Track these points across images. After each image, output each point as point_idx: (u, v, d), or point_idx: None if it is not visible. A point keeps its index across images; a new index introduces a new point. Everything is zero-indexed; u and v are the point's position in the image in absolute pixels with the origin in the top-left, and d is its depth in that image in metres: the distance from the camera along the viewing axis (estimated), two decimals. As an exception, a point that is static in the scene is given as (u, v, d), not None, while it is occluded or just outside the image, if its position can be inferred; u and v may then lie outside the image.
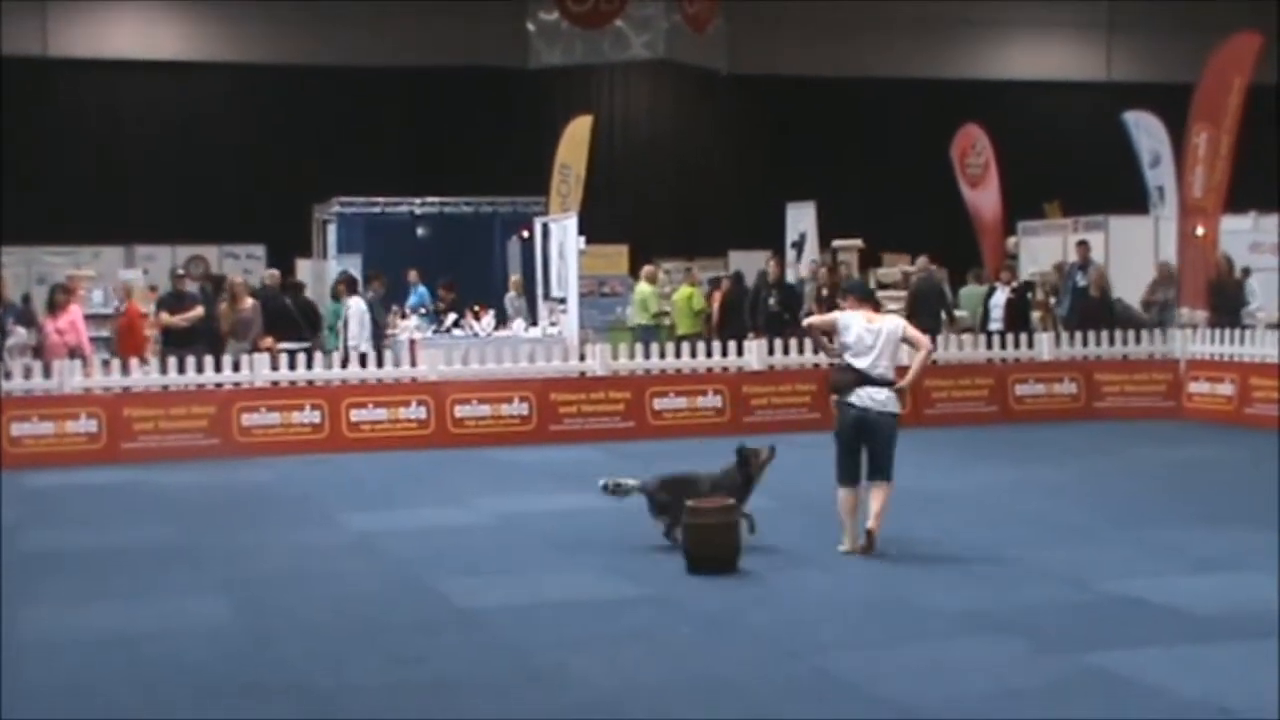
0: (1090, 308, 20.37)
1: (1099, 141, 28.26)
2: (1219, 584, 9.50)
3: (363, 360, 17.97)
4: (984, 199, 26.62)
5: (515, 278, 25.06)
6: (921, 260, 22.25)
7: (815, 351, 18.81)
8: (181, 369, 17.08)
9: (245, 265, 27.26)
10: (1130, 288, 22.03)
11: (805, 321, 11.95)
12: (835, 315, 10.99)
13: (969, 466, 15.23)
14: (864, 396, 10.43)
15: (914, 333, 10.71)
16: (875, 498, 10.54)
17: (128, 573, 10.43)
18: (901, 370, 10.72)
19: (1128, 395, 19.25)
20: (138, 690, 7.48)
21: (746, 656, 7.95)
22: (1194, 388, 19.05)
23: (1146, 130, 24.65)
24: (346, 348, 18.76)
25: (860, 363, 10.47)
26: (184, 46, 30.80)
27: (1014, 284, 21.33)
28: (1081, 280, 21.15)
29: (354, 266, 24.03)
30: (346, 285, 20.52)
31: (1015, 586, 9.51)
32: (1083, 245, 22.29)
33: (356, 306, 19.70)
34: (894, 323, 10.72)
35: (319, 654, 8.12)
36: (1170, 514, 12.21)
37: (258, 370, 17.33)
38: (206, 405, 16.78)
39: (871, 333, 10.49)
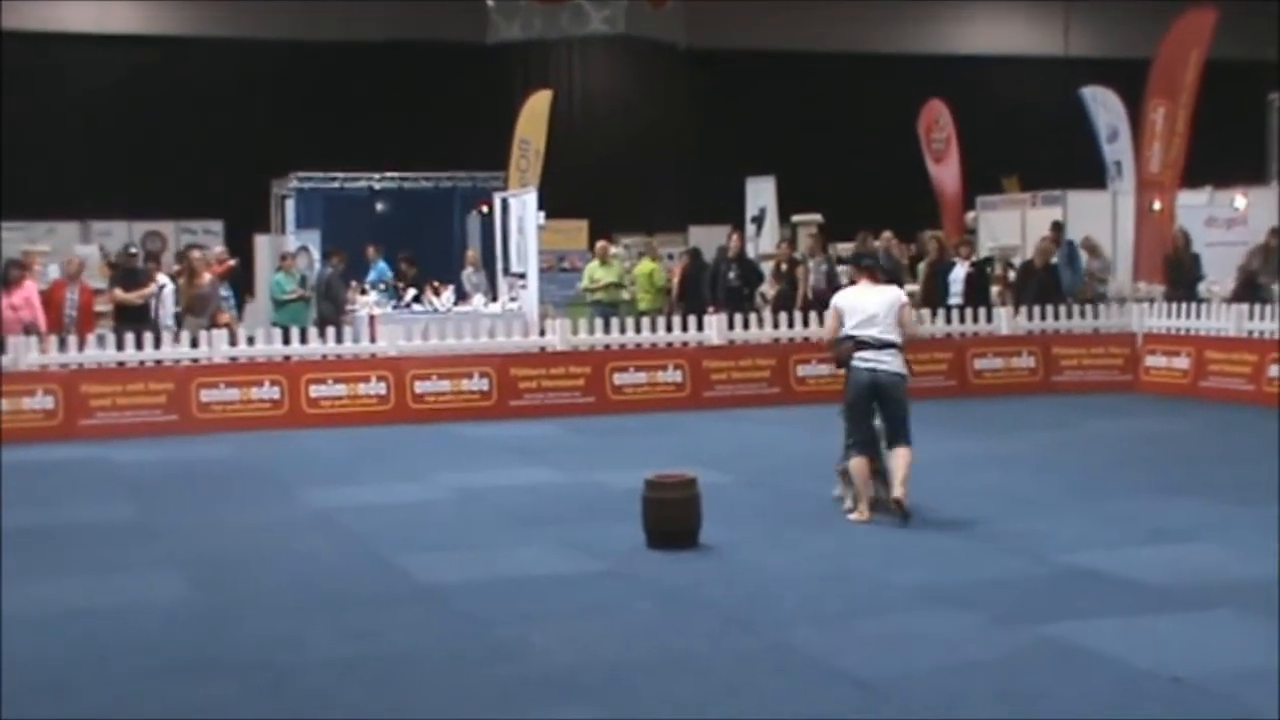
0: (1037, 279, 20.40)
1: (1057, 116, 28.39)
2: (1173, 555, 9.58)
3: (322, 335, 17.91)
4: (946, 174, 26.72)
5: (471, 252, 25.00)
6: (886, 235, 22.28)
7: (789, 326, 19.04)
8: (139, 345, 16.99)
9: (202, 241, 27.09)
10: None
11: (825, 339, 11.89)
12: (834, 304, 11.18)
13: (927, 440, 15.20)
14: (869, 359, 10.70)
15: (908, 314, 10.97)
16: (898, 464, 10.75)
17: (86, 549, 10.38)
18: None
19: (1085, 369, 19.37)
20: (95, 667, 7.45)
21: (705, 630, 7.98)
22: (1150, 361, 19.17)
23: (1104, 105, 24.80)
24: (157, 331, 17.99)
25: (862, 332, 10.75)
26: (142, 20, 30.57)
27: (973, 259, 21.41)
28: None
29: (313, 242, 23.94)
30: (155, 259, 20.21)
31: (973, 559, 9.58)
32: (1056, 227, 22.31)
33: (169, 287, 19.34)
34: (894, 294, 11.02)
35: (278, 630, 8.11)
36: (1126, 486, 12.29)
37: (216, 346, 17.25)
38: (165, 381, 16.70)
39: (869, 305, 10.79)
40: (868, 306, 10.81)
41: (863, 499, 10.80)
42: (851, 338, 10.79)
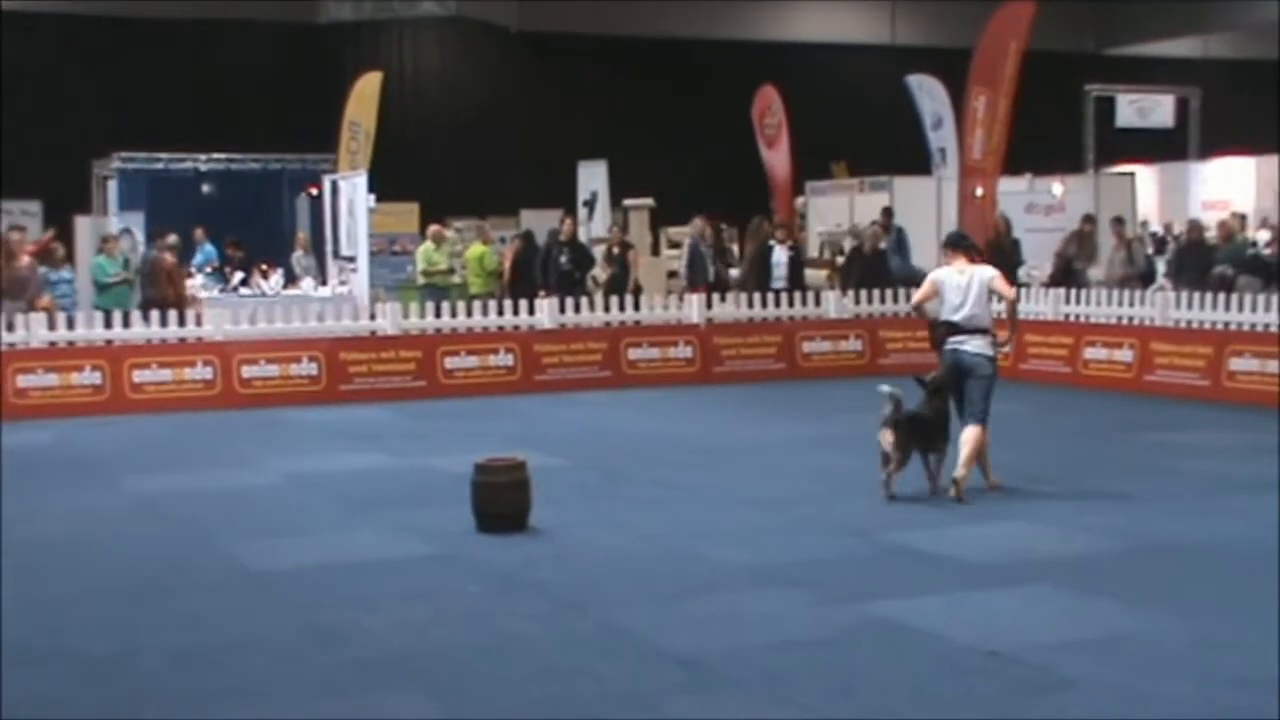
0: (865, 265, 20.79)
1: (885, 104, 28.84)
2: (994, 533, 9.84)
3: (146, 319, 17.55)
4: (777, 159, 27.01)
5: (300, 235, 24.71)
6: (696, 221, 22.44)
7: (620, 309, 19.13)
8: (-46, 329, 16.51)
9: (20, 222, 26.33)
10: (913, 246, 22.56)
11: (912, 303, 12.18)
12: (934, 278, 11.40)
13: (757, 422, 15.50)
14: (958, 342, 11.06)
15: (1001, 285, 11.14)
16: (965, 441, 10.98)
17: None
18: (1000, 324, 11.30)
19: (910, 352, 19.65)
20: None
21: (534, 613, 8.01)
22: (973, 344, 19.58)
23: (929, 93, 25.29)
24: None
25: (955, 316, 11.07)
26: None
27: (791, 243, 21.67)
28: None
29: (137, 224, 23.46)
30: None
31: (800, 540, 9.74)
32: (886, 213, 22.69)
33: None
34: (985, 273, 11.16)
35: (100, 620, 7.97)
36: (950, 467, 12.54)
37: (34, 330, 16.82)
38: (-20, 367, 16.26)
39: (963, 286, 11.05)
40: (961, 288, 11.05)
41: (986, 464, 11.22)
42: (946, 323, 11.12)
